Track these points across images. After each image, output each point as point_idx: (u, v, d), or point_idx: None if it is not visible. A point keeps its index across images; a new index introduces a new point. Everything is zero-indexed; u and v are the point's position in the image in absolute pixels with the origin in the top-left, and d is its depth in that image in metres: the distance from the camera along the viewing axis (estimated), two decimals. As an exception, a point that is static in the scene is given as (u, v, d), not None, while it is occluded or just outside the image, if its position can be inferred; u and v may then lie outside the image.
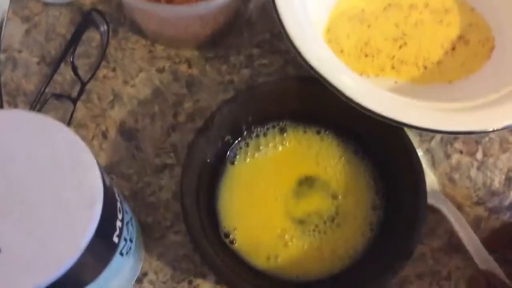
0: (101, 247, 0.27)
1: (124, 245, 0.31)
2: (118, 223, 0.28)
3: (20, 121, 0.26)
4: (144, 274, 0.38)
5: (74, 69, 0.41)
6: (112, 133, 0.42)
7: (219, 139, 0.38)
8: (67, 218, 0.24)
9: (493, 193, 0.41)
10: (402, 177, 0.37)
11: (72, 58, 0.41)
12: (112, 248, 0.29)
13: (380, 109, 0.35)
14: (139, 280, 0.38)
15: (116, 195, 0.29)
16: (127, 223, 0.31)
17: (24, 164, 0.25)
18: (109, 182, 0.28)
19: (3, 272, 0.23)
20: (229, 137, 0.39)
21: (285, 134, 0.40)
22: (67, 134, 0.26)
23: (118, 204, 0.29)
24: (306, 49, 0.36)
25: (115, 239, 0.28)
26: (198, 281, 0.38)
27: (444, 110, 0.38)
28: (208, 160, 0.37)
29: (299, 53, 0.36)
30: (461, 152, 0.42)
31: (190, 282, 0.38)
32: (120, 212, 0.29)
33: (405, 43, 0.44)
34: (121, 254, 0.30)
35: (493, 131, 0.36)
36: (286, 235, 0.38)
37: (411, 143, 0.36)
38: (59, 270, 0.23)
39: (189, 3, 0.39)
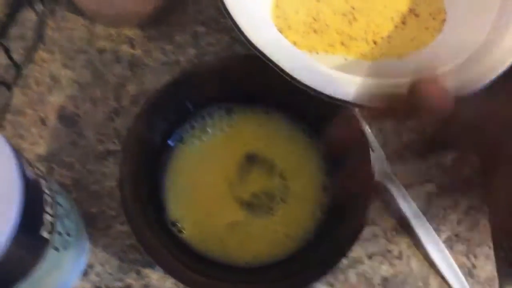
0: (28, 243, 0.25)
1: (60, 240, 0.29)
2: (48, 218, 0.27)
3: None
4: (90, 267, 0.37)
5: (7, 52, 0.38)
6: (52, 120, 0.40)
7: (161, 123, 0.36)
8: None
9: (444, 170, 0.41)
10: (350, 156, 0.36)
11: (5, 41, 0.38)
12: (42, 244, 0.27)
13: (316, 85, 0.34)
14: (85, 273, 0.36)
15: (44, 188, 0.27)
16: (62, 217, 0.30)
17: None
18: (34, 174, 0.26)
19: None
20: (173, 120, 0.37)
21: (232, 115, 0.39)
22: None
23: (48, 198, 0.27)
24: (248, 25, 0.35)
25: (45, 235, 0.27)
26: (147, 271, 0.37)
27: (382, 86, 0.37)
28: (151, 146, 0.36)
29: (239, 30, 0.34)
30: (412, 130, 0.42)
31: (138, 272, 0.37)
32: (50, 207, 0.27)
33: (354, 18, 0.43)
34: (56, 249, 0.29)
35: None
36: (235, 219, 0.37)
37: (356, 119, 0.35)
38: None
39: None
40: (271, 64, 0.34)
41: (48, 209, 0.27)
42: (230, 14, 0.34)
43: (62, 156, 0.39)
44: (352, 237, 0.33)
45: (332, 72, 0.36)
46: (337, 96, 0.33)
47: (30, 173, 0.25)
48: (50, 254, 0.28)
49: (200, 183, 0.37)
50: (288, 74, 0.34)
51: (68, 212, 0.31)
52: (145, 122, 0.35)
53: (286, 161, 0.38)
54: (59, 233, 0.29)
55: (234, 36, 0.43)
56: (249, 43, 0.34)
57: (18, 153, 0.25)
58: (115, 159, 0.39)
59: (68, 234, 0.31)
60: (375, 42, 0.43)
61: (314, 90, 0.34)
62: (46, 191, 0.27)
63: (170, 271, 0.32)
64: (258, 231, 0.37)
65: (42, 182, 0.27)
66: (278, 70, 0.34)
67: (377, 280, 0.38)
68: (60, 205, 0.30)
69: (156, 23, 0.42)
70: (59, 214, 0.29)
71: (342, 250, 0.33)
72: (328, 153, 0.38)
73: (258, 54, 0.34)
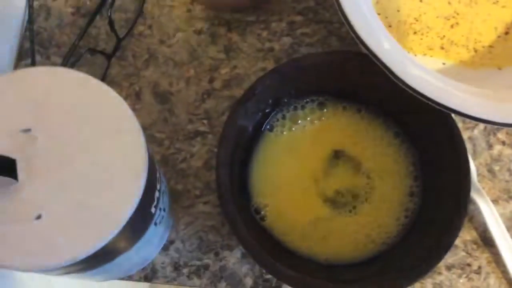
0: (140, 219, 0.26)
1: (159, 215, 0.30)
2: (157, 194, 0.27)
3: (63, 80, 0.25)
4: (170, 242, 0.37)
5: (111, 23, 0.39)
6: (146, 94, 0.40)
7: (258, 111, 0.36)
8: (111, 189, 0.23)
9: (533, 189, 0.40)
10: (446, 167, 0.35)
11: (110, 12, 0.39)
12: (149, 219, 0.28)
13: (429, 92, 0.33)
14: (165, 248, 0.37)
15: (155, 164, 0.28)
16: (163, 192, 0.30)
17: (68, 127, 0.24)
18: (150, 150, 0.26)
19: (41, 239, 0.22)
20: (268, 110, 0.37)
21: (324, 110, 0.39)
22: (113, 97, 0.24)
23: (158, 174, 0.28)
24: (358, 21, 0.34)
25: (153, 210, 0.27)
26: (225, 253, 0.37)
27: (493, 98, 0.36)
28: (244, 131, 0.36)
29: (349, 25, 0.34)
30: (503, 143, 0.41)
31: (216, 254, 0.37)
32: (158, 182, 0.28)
33: (457, 23, 0.42)
34: (155, 224, 0.30)
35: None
36: (318, 214, 0.37)
37: (459, 133, 0.34)
38: (99, 243, 0.23)
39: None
40: (377, 62, 0.33)
41: (158, 185, 0.27)
42: (345, 15, 0.34)
43: (153, 131, 0.39)
44: (440, 253, 0.32)
45: (440, 77, 0.35)
46: (445, 103, 0.33)
47: (149, 148, 0.26)
48: (150, 229, 0.29)
49: (285, 174, 0.37)
50: (395, 75, 0.33)
51: (165, 187, 0.32)
52: (243, 110, 0.35)
53: (373, 161, 0.38)
54: (160, 209, 0.30)
55: (330, 29, 0.42)
56: (357, 38, 0.34)
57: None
58: (203, 139, 0.40)
59: (164, 210, 0.31)
60: (475, 50, 0.42)
61: (419, 94, 0.33)
62: (156, 166, 0.28)
63: (253, 254, 0.32)
64: (340, 229, 0.37)
65: (155, 158, 0.28)
66: (388, 73, 0.33)
67: (453, 292, 0.38)
68: (162, 180, 0.30)
69: (254, 9, 0.42)
70: (163, 190, 0.29)
71: (430, 262, 0.32)
72: (419, 159, 0.37)
73: (365, 50, 0.33)
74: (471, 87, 0.36)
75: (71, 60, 0.39)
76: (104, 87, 0.25)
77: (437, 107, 0.33)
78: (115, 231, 0.23)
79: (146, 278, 0.37)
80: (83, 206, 0.22)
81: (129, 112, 0.24)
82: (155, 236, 0.32)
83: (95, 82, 0.25)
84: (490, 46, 0.42)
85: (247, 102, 0.35)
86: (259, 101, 0.36)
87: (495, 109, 0.35)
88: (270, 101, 0.37)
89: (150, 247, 0.33)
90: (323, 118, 0.39)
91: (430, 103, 0.33)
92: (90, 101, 0.24)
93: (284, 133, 0.38)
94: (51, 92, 0.24)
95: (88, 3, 0.42)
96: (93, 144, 0.23)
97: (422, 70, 0.34)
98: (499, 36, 0.42)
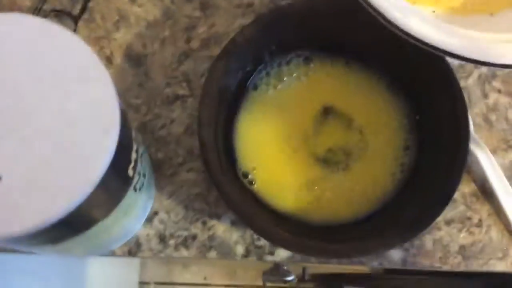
0: (116, 181, 0.24)
1: (138, 180, 0.27)
2: (133, 155, 0.25)
3: (23, 27, 0.22)
4: (154, 213, 0.35)
5: (75, -17, 0.36)
6: (118, 58, 0.37)
7: (239, 68, 0.34)
8: (79, 144, 0.20)
9: (532, 137, 0.38)
10: (442, 118, 0.33)
11: (73, -30, 0.36)
12: (126, 183, 0.25)
13: (423, 34, 0.31)
14: (149, 219, 0.35)
15: (130, 122, 0.25)
16: (141, 155, 0.28)
17: (28, 78, 0.21)
18: (123, 105, 0.24)
19: (3, 204, 0.20)
20: (250, 66, 0.35)
21: (311, 64, 0.36)
22: (78, 44, 0.22)
23: (133, 133, 0.25)
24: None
25: (130, 173, 0.25)
26: (213, 222, 0.35)
27: (489, 41, 0.34)
28: (227, 91, 0.33)
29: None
30: (499, 91, 0.39)
31: (204, 223, 0.35)
32: (135, 143, 0.25)
33: (446, -32, 0.40)
34: (135, 189, 0.27)
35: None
36: (310, 174, 0.35)
37: (455, 78, 0.32)
38: (68, 206, 0.20)
39: None
40: (368, 8, 0.31)
41: (134, 145, 0.25)
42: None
43: (128, 97, 0.37)
44: (439, 207, 0.31)
45: (433, 19, 0.33)
46: (446, 48, 0.30)
47: (121, 102, 0.23)
48: (129, 195, 0.27)
49: (273, 134, 0.35)
50: (390, 22, 0.31)
51: (144, 152, 0.29)
52: (223, 67, 0.32)
53: (365, 116, 0.36)
54: (139, 173, 0.27)
55: (312, -20, 0.40)
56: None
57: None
58: (183, 104, 0.37)
59: (144, 175, 0.29)
60: (466, -5, 0.39)
61: (413, 37, 0.31)
62: (131, 125, 0.25)
63: (244, 218, 0.30)
64: (333, 188, 0.35)
65: (128, 115, 0.25)
66: (379, 18, 0.31)
67: (454, 247, 0.36)
68: (141, 144, 0.28)
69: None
70: (140, 153, 0.27)
71: (431, 215, 0.30)
72: (413, 111, 0.35)
73: (361, 2, 0.31)
74: (465, 30, 0.34)
75: (34, 24, 0.36)
76: (67, 33, 0.22)
77: (433, 51, 0.31)
78: (86, 191, 0.20)
79: (130, 253, 0.34)
80: (49, 165, 0.20)
81: (96, 60, 0.22)
82: (135, 205, 0.29)
83: (57, 29, 0.22)
84: (480, -9, 0.40)
85: (226, 59, 0.32)
86: (240, 56, 0.33)
87: (488, 49, 0.33)
88: (252, 56, 0.34)
89: (131, 217, 0.30)
90: (310, 74, 0.36)
91: (424, 46, 0.31)
92: (52, 49, 0.22)
93: (269, 91, 0.36)
94: (7, 40, 0.21)
95: (50, -37, 0.39)
96: (57, 96, 0.21)
97: (415, 13, 0.32)
98: (489, -19, 0.40)
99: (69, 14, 0.37)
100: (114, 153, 0.21)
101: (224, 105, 0.33)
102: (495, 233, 0.36)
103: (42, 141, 0.20)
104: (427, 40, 0.31)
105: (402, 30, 0.31)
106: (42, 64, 0.21)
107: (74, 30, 0.37)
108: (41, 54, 0.21)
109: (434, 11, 0.39)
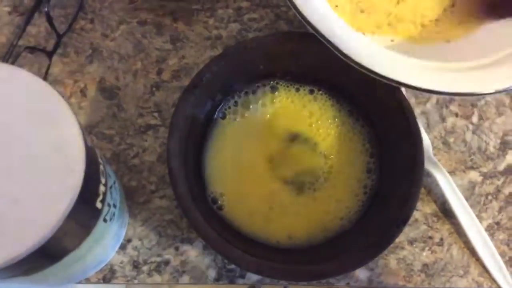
0: (84, 214, 0.25)
1: (108, 211, 0.29)
2: (102, 188, 0.26)
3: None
4: (128, 241, 0.36)
5: (49, 20, 0.38)
6: (92, 91, 0.39)
7: (207, 99, 0.35)
8: (46, 183, 0.22)
9: (488, 158, 0.40)
10: (399, 141, 0.35)
11: (47, 8, 0.37)
12: (95, 215, 0.26)
13: (378, 68, 0.33)
14: (123, 247, 0.36)
15: (98, 157, 0.27)
16: (111, 187, 0.29)
17: (-3, 123, 0.22)
18: (91, 142, 0.25)
19: (-26, 242, 0.21)
20: (218, 97, 0.36)
21: (276, 93, 0.38)
22: (44, 88, 0.23)
23: (101, 167, 0.27)
24: (303, 4, 0.34)
25: (98, 205, 0.26)
26: (185, 247, 0.36)
27: (442, 70, 0.36)
28: (195, 120, 0.35)
29: (294, 7, 0.33)
30: (456, 115, 0.41)
31: (176, 248, 0.36)
32: (103, 176, 0.27)
33: (402, -1, 0.42)
34: (105, 220, 0.28)
35: (494, 93, 0.35)
36: (276, 197, 0.36)
37: (409, 105, 0.34)
38: (37, 241, 0.21)
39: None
40: (324, 41, 0.33)
41: (102, 179, 0.26)
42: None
43: (102, 128, 0.38)
44: (399, 226, 0.32)
45: (389, 53, 0.35)
46: (394, 77, 0.32)
47: (88, 140, 0.24)
48: (100, 226, 0.28)
49: (241, 161, 0.37)
50: (341, 53, 0.33)
51: (114, 183, 0.31)
52: (192, 98, 0.34)
53: (330, 141, 0.37)
54: (108, 204, 0.28)
55: (278, 13, 0.42)
56: (303, 19, 0.33)
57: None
58: (155, 133, 0.38)
59: (114, 206, 0.30)
60: (423, 25, 0.42)
61: (368, 70, 0.33)
62: (100, 160, 0.27)
63: (214, 246, 0.32)
64: (300, 210, 0.36)
65: (97, 150, 0.26)
66: (331, 48, 0.33)
67: (417, 266, 0.37)
68: (109, 175, 0.29)
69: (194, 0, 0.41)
70: (109, 184, 0.28)
71: (387, 238, 0.32)
72: (374, 136, 0.37)
73: (312, 31, 0.33)
74: (419, 60, 0.36)
75: (9, 60, 0.38)
76: (34, 78, 0.24)
77: (386, 81, 0.33)
78: (54, 226, 0.21)
79: (105, 280, 0.35)
80: (17, 202, 0.21)
81: (63, 104, 0.23)
82: (107, 234, 0.31)
83: (25, 74, 0.23)
84: (437, 20, 0.42)
85: (195, 89, 0.34)
86: (208, 88, 0.35)
87: (443, 79, 0.35)
88: (219, 87, 0.36)
89: (104, 246, 0.32)
90: (276, 101, 0.38)
91: (378, 78, 0.33)
92: (21, 93, 0.23)
93: (237, 119, 0.37)
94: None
95: (25, 1, 0.40)
96: (26, 137, 0.22)
97: (369, 46, 0.34)
98: (445, 9, 0.42)
99: (43, 50, 0.38)
100: (80, 188, 0.23)
101: (193, 134, 0.35)
102: (456, 251, 0.38)
103: (10, 179, 0.21)
104: (379, 71, 0.33)
105: (354, 62, 0.33)
106: (10, 108, 0.22)
107: (49, 65, 0.38)
108: (10, 99, 0.23)
109: (392, 40, 0.41)
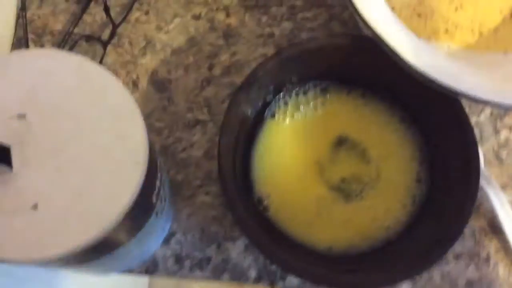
0: (141, 208, 0.25)
1: (160, 205, 0.29)
2: (157, 183, 0.26)
3: (58, 63, 0.23)
4: (171, 234, 0.36)
5: (106, 10, 0.38)
6: (144, 83, 0.39)
7: (259, 97, 0.35)
8: (111, 176, 0.22)
9: (542, 174, 0.39)
10: (453, 153, 0.34)
11: (104, -2, 0.37)
12: (150, 209, 0.27)
13: (441, 77, 0.32)
14: (166, 240, 0.36)
15: (155, 152, 0.27)
16: (164, 181, 0.29)
17: (64, 112, 0.22)
18: (150, 137, 0.25)
19: (38, 230, 0.21)
20: (270, 96, 0.36)
21: (327, 95, 0.38)
22: (111, 81, 0.23)
23: (158, 162, 0.27)
24: (364, 5, 0.33)
25: (154, 199, 0.26)
26: (228, 245, 0.36)
27: (501, 81, 0.35)
28: (246, 119, 0.35)
29: (355, 8, 0.33)
30: (511, 128, 0.40)
31: (219, 246, 0.36)
32: (159, 171, 0.27)
33: (461, 5, 0.41)
34: (156, 214, 0.29)
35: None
36: (322, 202, 0.36)
37: (467, 118, 0.33)
38: (98, 233, 0.21)
39: None
40: (382, 45, 0.32)
41: (158, 174, 0.26)
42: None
43: (152, 120, 0.38)
44: (451, 240, 0.31)
45: (448, 61, 0.34)
46: (457, 87, 0.32)
47: (149, 135, 0.24)
48: (151, 220, 0.28)
49: (289, 162, 0.36)
50: (406, 63, 0.32)
51: (166, 178, 0.31)
52: (244, 96, 0.33)
53: (379, 147, 0.37)
54: (161, 199, 0.28)
55: (332, 13, 0.41)
56: (363, 22, 0.33)
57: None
58: (203, 128, 0.38)
59: (165, 200, 0.30)
60: (481, 33, 0.40)
61: (429, 79, 0.32)
62: (157, 154, 0.27)
63: (258, 245, 0.31)
64: (346, 217, 0.36)
65: (154, 146, 0.26)
66: (395, 58, 0.32)
67: (461, 282, 0.37)
68: (163, 170, 0.29)
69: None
70: (163, 179, 0.28)
71: (437, 253, 0.31)
72: (426, 145, 0.36)
73: (371, 34, 0.32)
74: (478, 70, 0.35)
75: (65, 48, 0.38)
76: (101, 69, 0.24)
77: (445, 91, 0.32)
78: (115, 220, 0.21)
79: (147, 271, 0.35)
80: (81, 195, 0.21)
81: (128, 96, 0.23)
82: (156, 228, 0.31)
83: (91, 65, 0.24)
84: (496, 29, 0.41)
85: (248, 89, 0.33)
86: (261, 87, 0.34)
87: (503, 91, 0.34)
88: (272, 87, 0.36)
89: (151, 239, 0.32)
90: (326, 104, 0.38)
91: (438, 87, 0.32)
92: (87, 84, 0.23)
93: (287, 120, 0.37)
94: (46, 76, 0.23)
95: (82, -11, 0.40)
96: (91, 129, 0.22)
97: (429, 53, 0.34)
98: (504, 19, 0.41)
99: (98, 39, 0.38)
100: (142, 182, 0.23)
101: (243, 133, 0.35)
102: (502, 270, 0.37)
103: (76, 171, 0.22)
104: (439, 81, 0.32)
105: (415, 71, 0.32)
106: (79, 99, 0.23)
107: (103, 55, 0.38)
108: (78, 90, 0.23)
109: (449, 47, 0.40)
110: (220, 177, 0.32)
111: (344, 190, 0.36)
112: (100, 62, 0.38)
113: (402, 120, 0.37)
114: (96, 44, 0.38)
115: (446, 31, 0.41)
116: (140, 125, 0.23)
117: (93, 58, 0.38)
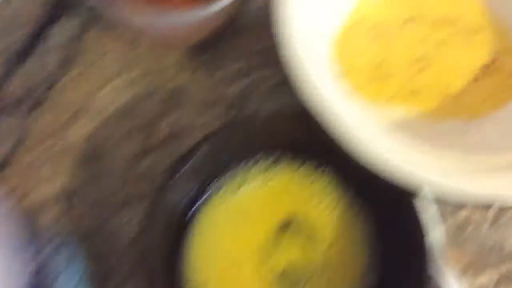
0: None
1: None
2: None
3: None
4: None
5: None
6: (74, 153, 0.36)
7: (194, 182, 0.32)
8: None
9: (507, 256, 0.36)
10: (405, 246, 0.31)
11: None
12: None
13: (394, 174, 0.29)
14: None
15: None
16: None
17: None
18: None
19: None
20: (206, 178, 0.33)
21: (272, 171, 0.34)
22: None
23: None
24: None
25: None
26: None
27: (472, 173, 0.32)
28: (177, 207, 0.31)
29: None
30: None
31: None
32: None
33: (422, 69, 0.38)
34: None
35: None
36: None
37: (421, 221, 0.31)
38: None
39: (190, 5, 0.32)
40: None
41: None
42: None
43: (80, 195, 0.35)
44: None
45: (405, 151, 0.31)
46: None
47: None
48: None
49: (226, 250, 0.33)
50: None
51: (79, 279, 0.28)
52: (173, 186, 0.30)
53: (331, 230, 0.34)
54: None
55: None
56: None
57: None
58: (140, 204, 0.35)
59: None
60: (441, 99, 0.37)
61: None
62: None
63: None
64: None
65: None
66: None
67: None
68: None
69: (205, 48, 0.38)
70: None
71: None
72: (380, 231, 0.34)
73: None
74: (436, 149, 0.32)
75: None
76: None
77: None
78: None
79: None
80: None
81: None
82: None
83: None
84: (458, 95, 0.37)
85: (176, 178, 0.30)
86: (195, 172, 0.31)
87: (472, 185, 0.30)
88: (208, 168, 0.32)
89: None
90: (271, 181, 0.34)
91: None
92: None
93: (225, 203, 0.34)
94: None
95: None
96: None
97: (382, 142, 0.31)
98: (471, 82, 0.38)
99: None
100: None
101: (174, 220, 0.32)
102: None
103: None
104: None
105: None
106: None
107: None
108: None
109: (407, 113, 0.37)
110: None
111: (290, 278, 0.33)
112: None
113: (356, 197, 0.34)
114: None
115: (406, 95, 0.37)
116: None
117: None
